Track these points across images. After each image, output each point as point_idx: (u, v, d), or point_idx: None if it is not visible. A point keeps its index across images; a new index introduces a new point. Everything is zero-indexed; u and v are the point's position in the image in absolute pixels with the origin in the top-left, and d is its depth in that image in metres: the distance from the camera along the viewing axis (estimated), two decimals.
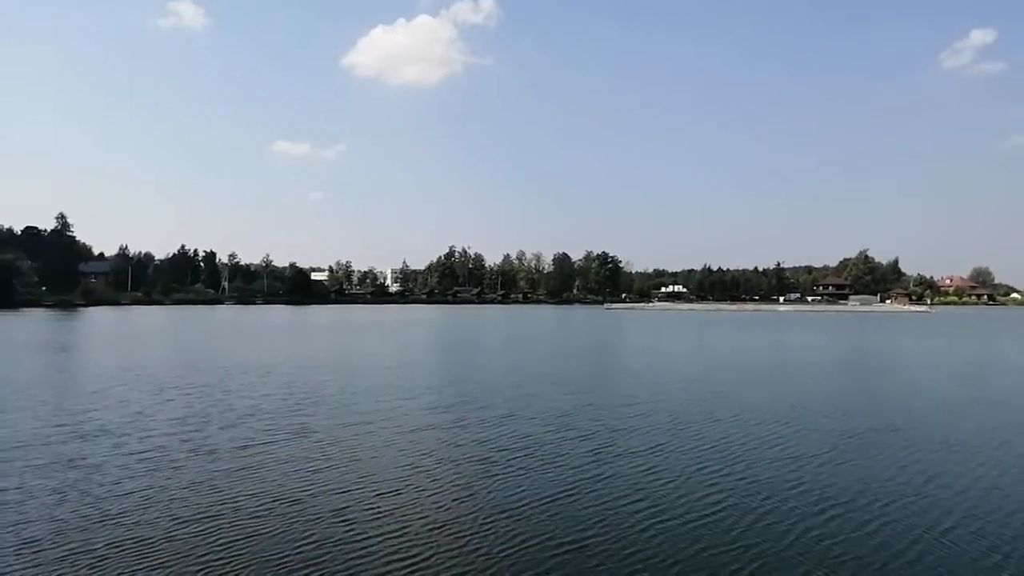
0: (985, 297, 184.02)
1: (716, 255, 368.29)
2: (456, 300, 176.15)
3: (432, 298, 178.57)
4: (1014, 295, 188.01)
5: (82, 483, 10.61)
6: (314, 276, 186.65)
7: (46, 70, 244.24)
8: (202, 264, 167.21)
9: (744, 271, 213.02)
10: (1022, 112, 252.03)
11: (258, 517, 9.15)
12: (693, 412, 17.28)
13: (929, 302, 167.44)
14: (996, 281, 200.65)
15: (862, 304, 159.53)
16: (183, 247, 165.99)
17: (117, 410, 17.06)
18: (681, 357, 35.40)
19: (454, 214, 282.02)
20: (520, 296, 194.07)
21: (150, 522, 8.93)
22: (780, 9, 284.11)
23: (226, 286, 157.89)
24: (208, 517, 9.13)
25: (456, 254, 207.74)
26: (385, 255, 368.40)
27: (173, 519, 9.04)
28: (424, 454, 12.65)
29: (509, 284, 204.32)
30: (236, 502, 9.76)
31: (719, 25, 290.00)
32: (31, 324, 58.85)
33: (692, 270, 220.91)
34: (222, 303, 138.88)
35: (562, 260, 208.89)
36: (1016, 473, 11.67)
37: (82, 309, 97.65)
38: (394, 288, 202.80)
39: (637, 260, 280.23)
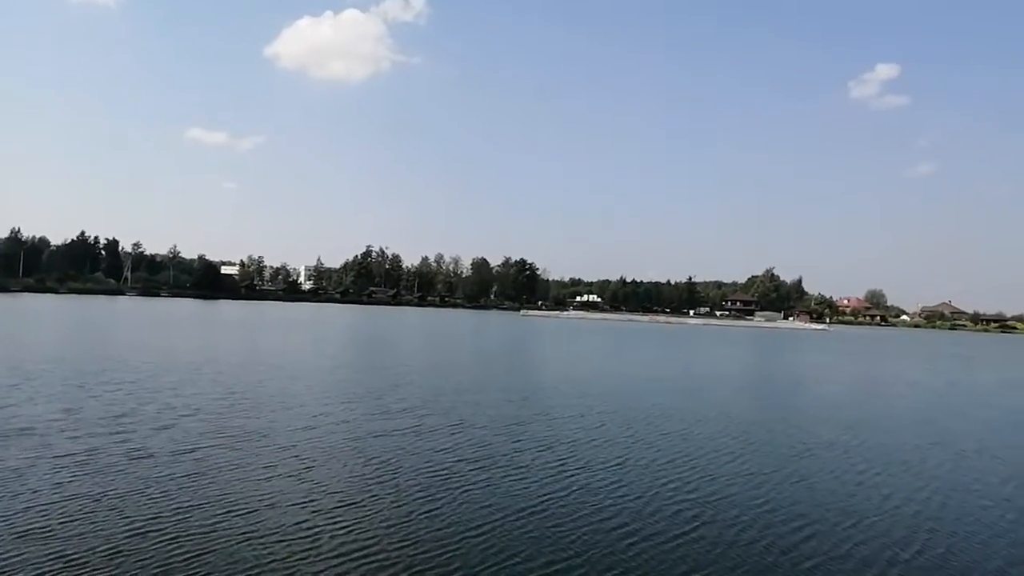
0: (878, 318, 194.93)
1: (631, 267, 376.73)
2: (371, 300, 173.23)
3: (347, 297, 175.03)
4: (903, 317, 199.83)
5: (3, 489, 9.61)
6: (224, 270, 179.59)
7: None
8: (103, 252, 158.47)
9: (657, 283, 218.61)
10: (925, 145, 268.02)
11: (205, 530, 8.38)
12: (627, 421, 17.36)
13: (828, 321, 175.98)
14: (888, 303, 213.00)
15: (767, 320, 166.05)
16: (83, 233, 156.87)
17: (41, 406, 15.71)
18: (609, 368, 35.74)
19: (373, 213, 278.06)
20: (437, 299, 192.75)
21: (84, 535, 8.04)
22: (701, 12, 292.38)
23: (128, 276, 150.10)
24: (151, 530, 8.30)
25: (373, 254, 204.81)
26: (299, 251, 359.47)
27: (110, 532, 8.19)
28: (375, 462, 12.02)
29: (426, 286, 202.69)
30: (181, 513, 8.93)
31: (645, 29, 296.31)
32: None
33: (607, 280, 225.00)
34: (123, 294, 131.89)
35: (481, 265, 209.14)
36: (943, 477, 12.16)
37: None
38: (307, 285, 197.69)
39: (554, 268, 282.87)
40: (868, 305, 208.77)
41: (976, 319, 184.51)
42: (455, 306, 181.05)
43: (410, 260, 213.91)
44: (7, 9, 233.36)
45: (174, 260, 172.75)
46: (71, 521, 8.45)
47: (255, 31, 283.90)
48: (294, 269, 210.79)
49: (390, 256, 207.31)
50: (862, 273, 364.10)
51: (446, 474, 11.51)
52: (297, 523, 8.82)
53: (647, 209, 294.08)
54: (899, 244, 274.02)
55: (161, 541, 7.98)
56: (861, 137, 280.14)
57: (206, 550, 7.80)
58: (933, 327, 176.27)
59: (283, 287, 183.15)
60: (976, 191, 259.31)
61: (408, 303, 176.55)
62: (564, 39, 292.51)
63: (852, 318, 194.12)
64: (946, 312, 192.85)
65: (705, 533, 9.22)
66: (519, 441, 14.51)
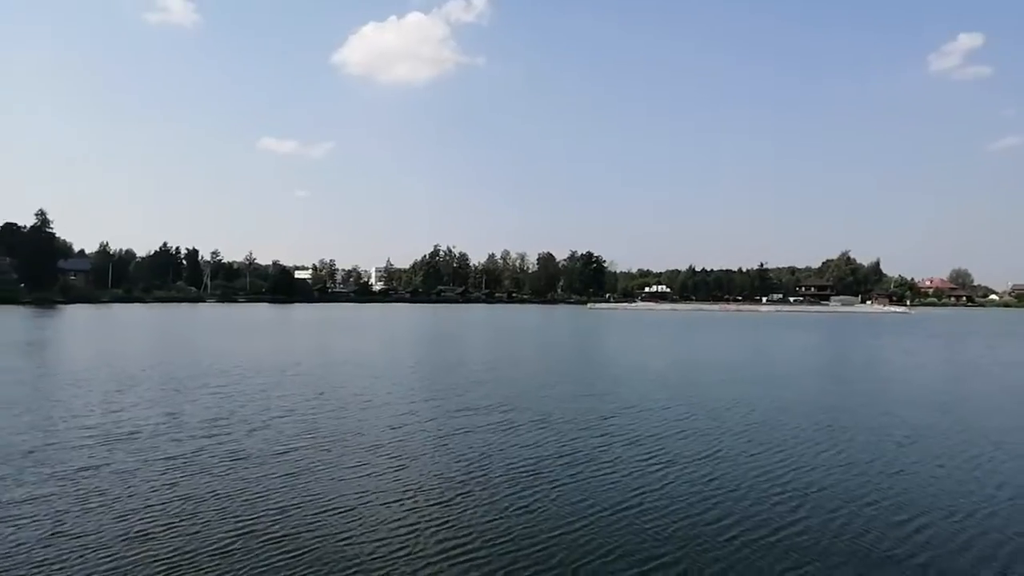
0: (964, 299, 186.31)
1: (701, 256, 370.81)
2: (440, 299, 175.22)
3: (416, 297, 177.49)
4: (992, 296, 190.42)
5: (116, 490, 10.02)
6: (297, 274, 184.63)
7: (30, 63, 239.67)
8: (184, 262, 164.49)
9: (727, 271, 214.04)
10: (1010, 115, 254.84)
11: (304, 530, 8.55)
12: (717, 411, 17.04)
13: (909, 303, 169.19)
14: (975, 283, 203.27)
15: (843, 305, 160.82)
16: (165, 244, 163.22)
17: (144, 410, 16.45)
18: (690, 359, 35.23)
19: (441, 213, 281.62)
20: (504, 295, 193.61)
21: (193, 535, 8.30)
22: (769, 10, 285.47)
23: (208, 284, 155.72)
24: (254, 530, 8.53)
25: (441, 253, 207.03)
26: (370, 254, 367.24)
27: (216, 532, 8.43)
28: (464, 459, 12.08)
29: (493, 283, 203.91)
30: (281, 513, 9.16)
31: (713, 24, 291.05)
32: (10, 321, 57.38)
33: (676, 270, 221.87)
34: (204, 301, 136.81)
35: (547, 260, 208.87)
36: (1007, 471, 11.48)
37: (61, 306, 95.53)
38: (378, 287, 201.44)
39: (622, 260, 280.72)
40: (953, 286, 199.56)
41: None
42: (522, 302, 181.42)
43: (477, 258, 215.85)
44: (97, 32, 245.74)
45: (250, 267, 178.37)
46: (180, 522, 8.76)
47: (322, 40, 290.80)
48: (365, 271, 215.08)
49: (457, 255, 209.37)
50: (946, 252, 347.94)
51: (535, 470, 11.47)
52: (394, 521, 8.91)
53: (719, 199, 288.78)
54: (985, 220, 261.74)
55: (264, 541, 8.19)
56: (942, 111, 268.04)
57: (307, 549, 7.96)
58: None
59: (355, 289, 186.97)
60: None
61: (476, 300, 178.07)
62: (622, 33, 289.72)
63: (936, 299, 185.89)
64: None
65: (808, 526, 8.91)
66: (605, 435, 14.38)
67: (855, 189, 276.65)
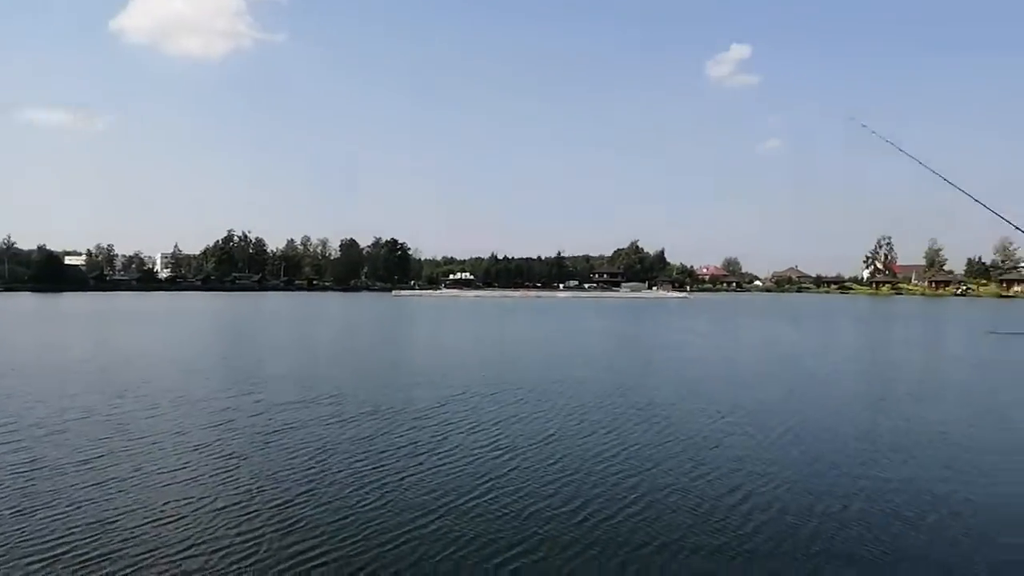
0: (735, 284, 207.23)
1: (503, 243, 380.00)
2: (235, 287, 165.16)
3: (208, 285, 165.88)
4: (756, 282, 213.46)
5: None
6: (69, 260, 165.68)
7: None
8: None
9: (528, 259, 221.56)
10: (774, 120, 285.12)
11: (137, 543, 7.62)
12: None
13: (688, 289, 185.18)
14: (744, 270, 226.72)
15: (632, 291, 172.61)
16: None
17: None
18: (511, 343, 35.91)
19: (236, 197, 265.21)
20: (305, 282, 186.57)
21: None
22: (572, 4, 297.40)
23: None
24: (67, 554, 7.46)
25: (235, 238, 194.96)
26: (154, 238, 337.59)
27: (6, 562, 7.29)
28: (299, 456, 11.40)
29: (293, 270, 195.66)
30: (102, 527, 8.08)
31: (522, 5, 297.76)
32: None
33: (480, 258, 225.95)
34: None
35: (349, 246, 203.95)
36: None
37: None
38: (164, 274, 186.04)
39: (427, 247, 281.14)
40: (725, 273, 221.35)
41: (819, 282, 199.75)
42: (324, 289, 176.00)
43: (275, 244, 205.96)
44: None
45: (8, 251, 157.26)
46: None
47: (98, 2, 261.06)
48: (149, 257, 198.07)
49: (253, 240, 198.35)
50: (720, 243, 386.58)
51: (377, 463, 11.12)
52: (234, 527, 8.22)
53: (520, 187, 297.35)
54: (753, 214, 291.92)
55: (80, 563, 7.21)
56: (718, 115, 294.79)
57: (136, 566, 7.11)
58: (782, 291, 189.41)
59: (137, 276, 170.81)
60: (815, 164, 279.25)
61: (274, 288, 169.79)
62: (430, 13, 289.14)
63: (711, 285, 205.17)
64: (793, 277, 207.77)
65: (650, 501, 9.39)
66: (442, 423, 14.23)
67: (644, 183, 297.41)
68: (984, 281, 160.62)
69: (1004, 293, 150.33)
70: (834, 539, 8.10)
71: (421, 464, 11.05)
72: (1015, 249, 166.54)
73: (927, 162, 7.48)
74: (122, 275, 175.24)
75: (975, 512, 9.12)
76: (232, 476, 10.27)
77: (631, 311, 75.97)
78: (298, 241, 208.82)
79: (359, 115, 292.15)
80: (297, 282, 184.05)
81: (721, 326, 53.10)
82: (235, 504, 9.01)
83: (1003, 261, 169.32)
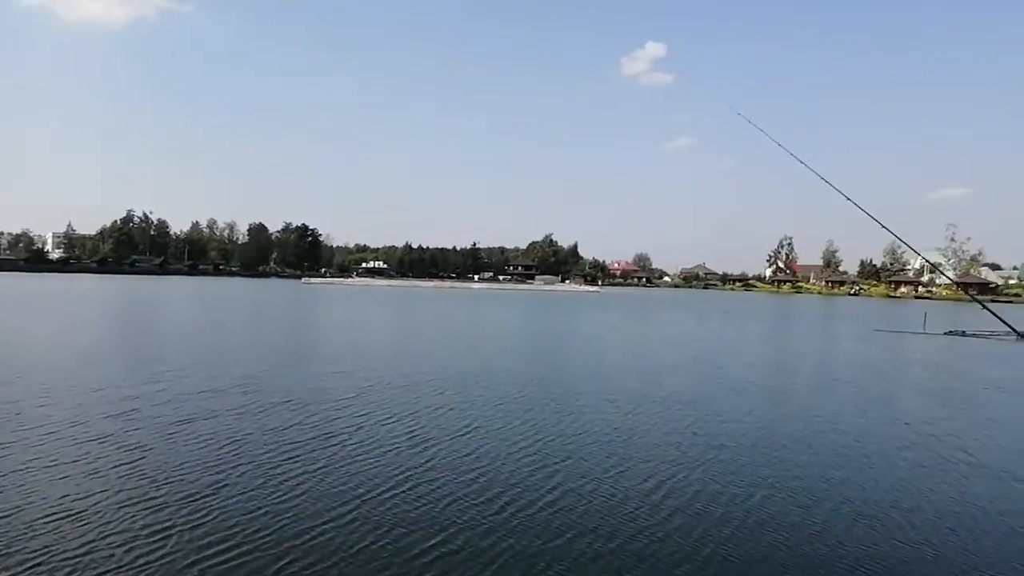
0: (644, 279, 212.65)
1: (418, 233, 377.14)
2: (134, 270, 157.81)
3: (104, 267, 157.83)
4: (665, 278, 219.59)
5: None
6: None
7: None
8: None
9: (443, 249, 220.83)
10: (684, 119, 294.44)
11: (33, 538, 7.24)
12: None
13: (600, 283, 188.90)
14: (653, 266, 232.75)
15: (546, 284, 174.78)
16: None
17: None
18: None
19: (135, 175, 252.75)
20: (211, 267, 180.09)
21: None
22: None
23: None
24: None
25: (136, 219, 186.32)
26: (46, 217, 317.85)
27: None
28: (209, 447, 11.05)
29: (198, 254, 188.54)
30: None
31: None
32: None
33: (394, 247, 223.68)
34: None
35: (258, 231, 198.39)
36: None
37: None
38: (56, 254, 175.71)
39: (339, 234, 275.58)
40: (636, 268, 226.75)
41: (725, 279, 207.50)
42: (231, 274, 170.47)
43: (179, 226, 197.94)
44: None
45: None
46: None
47: None
48: (39, 236, 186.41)
49: (155, 221, 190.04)
50: (632, 238, 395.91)
51: (292, 455, 10.79)
52: (139, 523, 7.84)
53: (435, 177, 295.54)
54: (662, 211, 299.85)
55: None
56: (632, 112, 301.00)
57: (37, 563, 6.72)
58: (690, 287, 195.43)
59: (25, 256, 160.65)
60: (722, 164, 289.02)
61: (177, 272, 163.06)
62: None
63: (622, 280, 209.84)
64: (700, 273, 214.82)
65: (565, 490, 9.55)
66: (360, 415, 13.93)
67: (559, 177, 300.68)
68: (875, 282, 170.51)
69: (892, 293, 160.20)
70: (741, 523, 8.45)
71: (335, 454, 10.88)
72: (902, 253, 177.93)
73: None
74: (8, 255, 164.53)
75: (866, 496, 9.70)
76: (136, 468, 9.82)
77: (545, 303, 76.87)
78: (204, 224, 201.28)
79: (271, 94, 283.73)
80: (202, 267, 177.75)
81: (632, 319, 54.50)
82: (140, 497, 8.62)
83: (891, 264, 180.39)
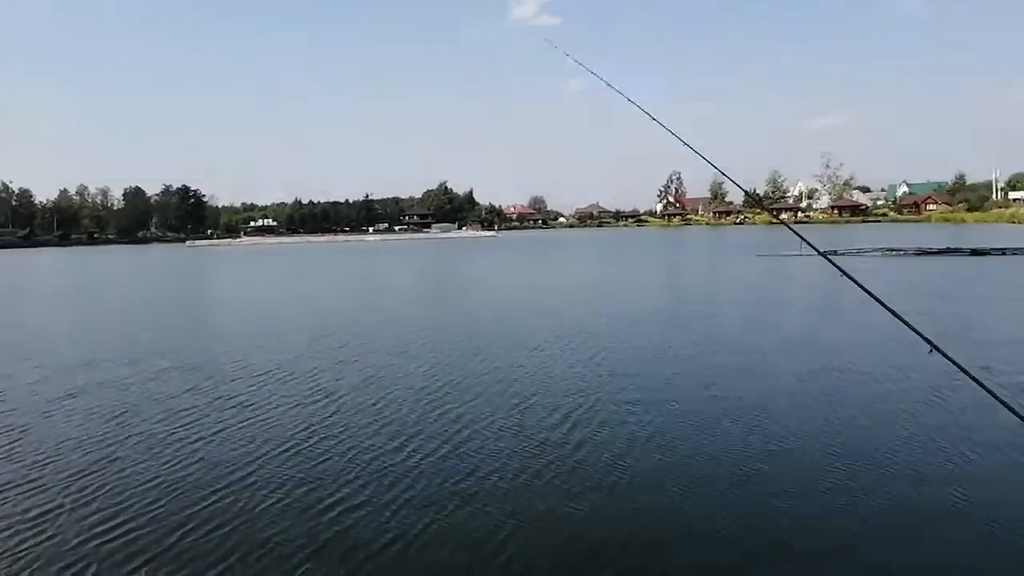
0: (540, 221, 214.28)
1: (307, 189, 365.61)
2: None
3: None
4: (560, 219, 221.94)
5: None
6: None
7: None
8: None
9: (335, 203, 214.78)
10: (572, 63, 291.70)
11: None
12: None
13: (497, 228, 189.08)
14: (549, 208, 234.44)
15: (443, 232, 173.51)
16: None
17: None
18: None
19: None
20: (84, 236, 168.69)
21: None
22: None
23: None
24: None
25: None
26: None
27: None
28: (118, 414, 10.38)
29: (69, 223, 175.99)
30: None
31: None
32: None
33: (283, 204, 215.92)
34: None
35: (135, 195, 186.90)
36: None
37: None
38: None
39: (224, 194, 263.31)
40: (532, 211, 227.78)
41: (618, 216, 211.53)
42: (107, 242, 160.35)
43: (45, 194, 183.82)
44: None
45: None
46: None
47: None
48: None
49: (16, 191, 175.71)
50: (528, 182, 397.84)
51: (184, 420, 10.25)
52: (24, 506, 7.23)
53: (322, 128, 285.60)
54: (558, 153, 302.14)
55: None
56: (523, 56, 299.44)
57: None
58: (585, 226, 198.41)
59: None
60: (613, 104, 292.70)
61: (46, 244, 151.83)
62: None
63: (518, 223, 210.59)
64: (595, 213, 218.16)
65: (478, 443, 9.51)
66: (264, 374, 13.47)
67: (451, 124, 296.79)
68: (758, 211, 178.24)
69: (774, 221, 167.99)
70: (644, 445, 8.66)
71: (233, 418, 10.38)
72: (783, 181, 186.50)
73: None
74: None
75: (764, 406, 10.14)
76: (11, 449, 9.10)
77: (443, 250, 76.45)
78: (73, 191, 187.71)
79: (142, 51, 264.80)
80: (75, 236, 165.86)
81: (527, 260, 55.01)
82: (19, 479, 7.96)
83: (773, 192, 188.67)
